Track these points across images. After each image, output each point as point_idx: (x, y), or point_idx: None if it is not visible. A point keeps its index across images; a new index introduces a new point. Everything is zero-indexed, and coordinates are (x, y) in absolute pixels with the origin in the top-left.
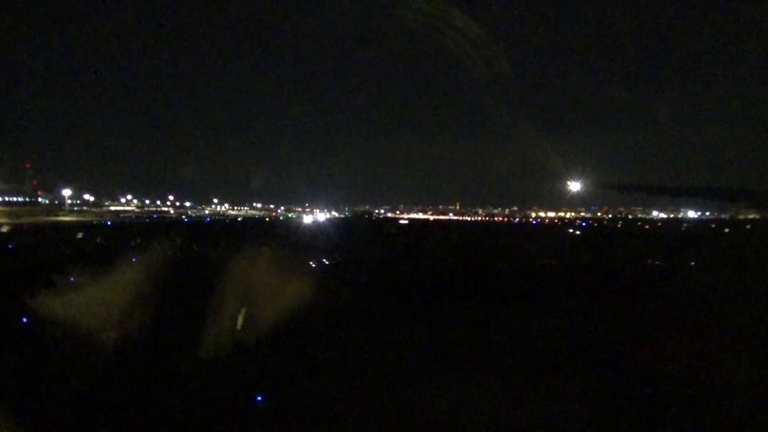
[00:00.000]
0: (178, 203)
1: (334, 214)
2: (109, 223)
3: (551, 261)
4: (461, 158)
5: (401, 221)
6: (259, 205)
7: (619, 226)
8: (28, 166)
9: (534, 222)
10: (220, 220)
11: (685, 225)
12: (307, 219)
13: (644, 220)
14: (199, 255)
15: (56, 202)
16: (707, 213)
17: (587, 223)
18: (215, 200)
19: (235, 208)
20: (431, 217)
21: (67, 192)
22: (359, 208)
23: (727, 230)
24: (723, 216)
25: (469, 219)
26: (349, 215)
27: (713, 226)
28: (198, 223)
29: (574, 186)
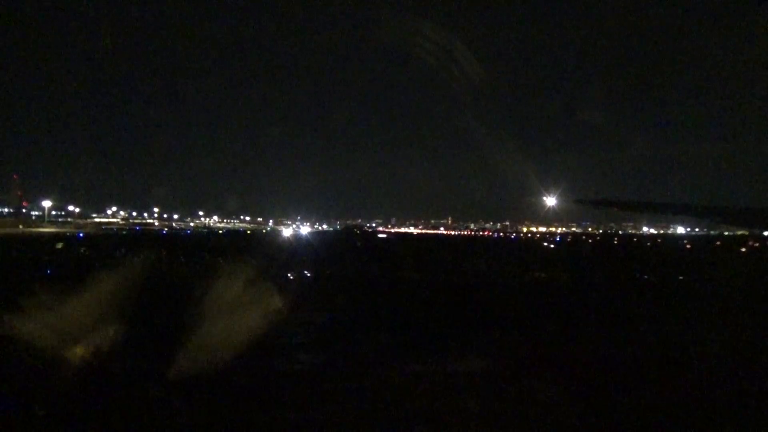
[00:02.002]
0: (165, 215)
1: (324, 227)
2: (81, 235)
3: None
4: (455, 174)
5: (380, 235)
6: (248, 218)
7: (589, 241)
8: (15, 177)
9: (513, 237)
10: (198, 233)
11: (658, 240)
12: (287, 233)
13: (620, 236)
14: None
15: (32, 213)
16: (696, 229)
17: (560, 238)
18: (201, 213)
19: (225, 221)
20: (416, 231)
21: (47, 203)
22: (351, 222)
23: (688, 246)
24: (712, 232)
25: (452, 234)
26: (339, 229)
27: (684, 241)
28: (175, 235)
29: (550, 201)
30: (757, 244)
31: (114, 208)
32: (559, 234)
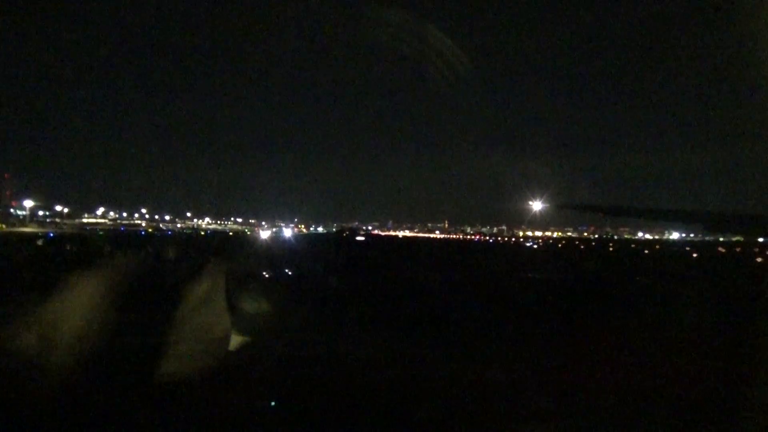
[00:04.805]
0: (157, 216)
1: (320, 229)
2: (51, 234)
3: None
4: (454, 178)
5: (358, 238)
6: (240, 220)
7: (559, 245)
8: (6, 176)
9: (491, 241)
10: (176, 234)
11: (632, 246)
12: (264, 235)
13: (601, 240)
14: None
15: (19, 212)
16: (692, 235)
17: (534, 242)
18: (188, 214)
19: (218, 222)
20: (401, 234)
21: (29, 203)
22: (347, 225)
23: (646, 252)
24: (707, 238)
25: (439, 237)
26: (335, 231)
27: (657, 246)
28: (148, 236)
29: (537, 206)
30: (723, 250)
31: (102, 209)
32: (543, 239)
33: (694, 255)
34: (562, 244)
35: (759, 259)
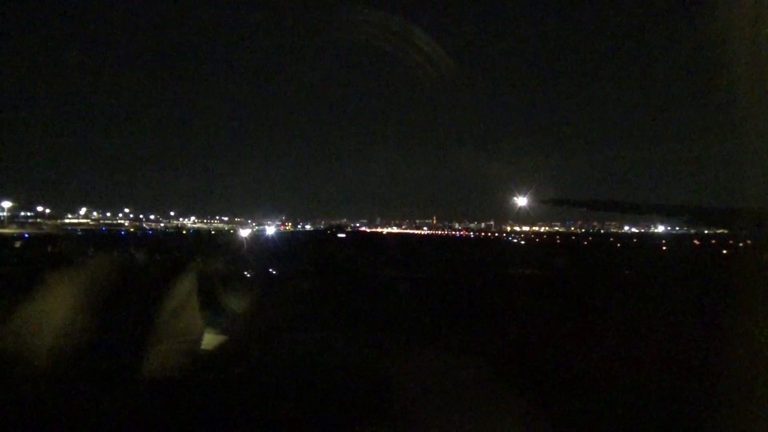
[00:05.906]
0: (141, 216)
1: (308, 227)
2: (26, 235)
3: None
4: (441, 174)
5: (340, 235)
6: (225, 218)
7: (538, 239)
8: None
9: (472, 236)
10: (159, 233)
11: (611, 239)
12: (244, 233)
13: (582, 234)
14: None
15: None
16: (676, 228)
17: (518, 238)
18: (172, 213)
19: (203, 221)
20: (385, 231)
21: (6, 204)
22: (335, 222)
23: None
24: (691, 231)
25: (424, 233)
26: (321, 228)
27: (634, 240)
28: (120, 236)
29: (521, 201)
30: (697, 242)
31: (84, 209)
32: (528, 234)
33: (664, 248)
34: (542, 239)
35: (724, 251)
